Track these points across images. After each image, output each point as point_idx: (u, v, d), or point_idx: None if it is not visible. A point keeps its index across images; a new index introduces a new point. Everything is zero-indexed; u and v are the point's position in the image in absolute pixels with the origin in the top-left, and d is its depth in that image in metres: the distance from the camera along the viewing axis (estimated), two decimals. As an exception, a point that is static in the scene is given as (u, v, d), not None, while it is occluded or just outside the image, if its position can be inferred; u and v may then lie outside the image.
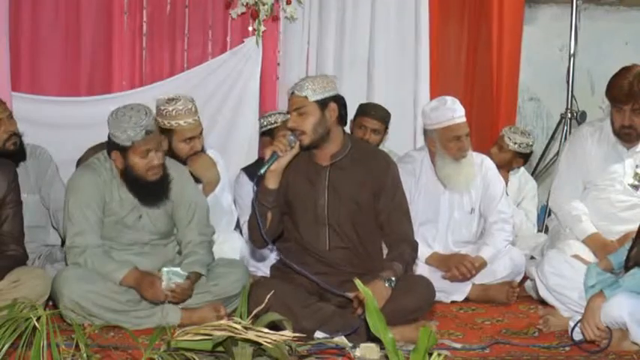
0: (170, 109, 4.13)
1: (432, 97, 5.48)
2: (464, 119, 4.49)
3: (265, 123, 4.92)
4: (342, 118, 3.65)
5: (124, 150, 3.72)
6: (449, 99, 4.54)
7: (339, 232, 3.64)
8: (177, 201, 3.94)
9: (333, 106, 3.59)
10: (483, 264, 4.49)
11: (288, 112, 3.67)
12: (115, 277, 3.75)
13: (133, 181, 3.79)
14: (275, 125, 4.83)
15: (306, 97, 3.54)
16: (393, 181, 3.73)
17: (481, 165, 4.65)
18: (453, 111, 4.46)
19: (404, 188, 3.82)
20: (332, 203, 3.63)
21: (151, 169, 3.76)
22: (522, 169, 5.38)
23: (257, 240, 3.63)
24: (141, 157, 3.73)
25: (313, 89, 3.55)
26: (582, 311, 3.60)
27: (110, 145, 3.78)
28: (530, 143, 5.28)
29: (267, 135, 4.89)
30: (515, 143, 5.21)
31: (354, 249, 3.67)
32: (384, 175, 3.69)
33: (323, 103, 3.56)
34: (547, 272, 3.91)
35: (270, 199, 3.55)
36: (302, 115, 3.55)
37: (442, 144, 4.50)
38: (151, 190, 3.83)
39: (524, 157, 5.32)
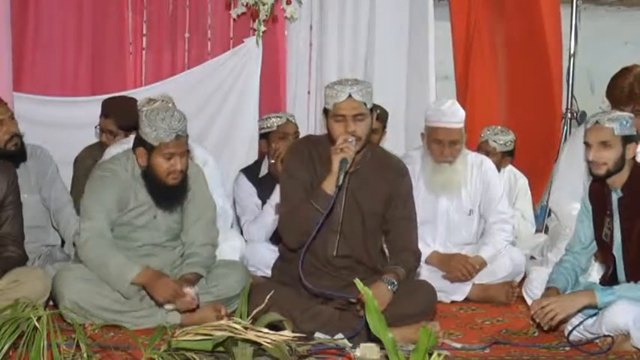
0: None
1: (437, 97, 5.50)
2: (455, 126, 4.44)
3: (262, 126, 4.88)
4: None
5: (150, 149, 3.71)
6: (449, 102, 4.53)
7: (348, 240, 3.62)
8: (189, 199, 3.93)
9: (374, 113, 3.60)
10: (483, 264, 4.49)
11: (339, 115, 3.48)
12: (125, 272, 3.70)
13: (152, 181, 3.78)
14: (271, 130, 4.80)
15: (365, 103, 3.50)
16: (406, 191, 3.71)
17: (480, 165, 4.64)
18: (443, 114, 4.43)
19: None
20: (348, 210, 3.61)
21: (172, 174, 3.74)
22: (510, 166, 5.32)
23: (293, 243, 3.57)
24: (165, 159, 3.71)
25: (369, 95, 3.52)
26: (578, 317, 3.60)
27: (137, 141, 3.77)
28: (514, 138, 5.21)
29: (263, 138, 4.87)
30: (501, 143, 5.14)
31: (359, 257, 3.66)
32: (398, 185, 3.67)
33: (372, 110, 3.57)
34: (541, 285, 3.89)
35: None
36: (361, 122, 3.49)
37: (427, 143, 4.51)
38: (167, 194, 3.81)
39: (511, 155, 5.25)
